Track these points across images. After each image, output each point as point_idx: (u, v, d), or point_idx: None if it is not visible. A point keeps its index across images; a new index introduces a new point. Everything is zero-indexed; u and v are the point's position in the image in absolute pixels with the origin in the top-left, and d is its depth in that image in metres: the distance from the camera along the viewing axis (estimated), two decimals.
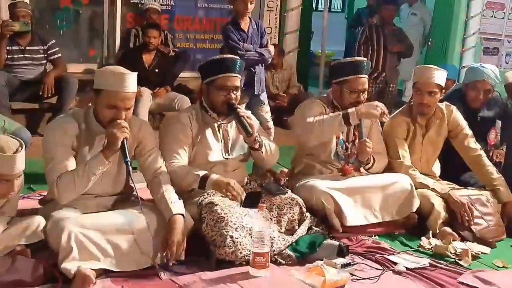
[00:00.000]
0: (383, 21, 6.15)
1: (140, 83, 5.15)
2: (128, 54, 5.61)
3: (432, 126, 3.84)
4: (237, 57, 3.33)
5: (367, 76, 3.55)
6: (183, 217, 2.85)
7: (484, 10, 7.53)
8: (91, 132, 2.88)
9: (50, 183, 2.79)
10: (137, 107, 4.88)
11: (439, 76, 3.72)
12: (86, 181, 2.75)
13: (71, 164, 2.79)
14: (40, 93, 5.01)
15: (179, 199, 2.92)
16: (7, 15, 5.26)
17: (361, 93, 3.52)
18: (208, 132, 3.24)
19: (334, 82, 3.61)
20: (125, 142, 2.76)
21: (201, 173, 3.06)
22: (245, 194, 3.02)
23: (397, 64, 6.23)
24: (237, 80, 3.22)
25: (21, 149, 2.57)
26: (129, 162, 2.79)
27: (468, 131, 3.86)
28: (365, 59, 3.68)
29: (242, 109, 3.21)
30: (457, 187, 3.80)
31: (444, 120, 3.85)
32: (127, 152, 2.78)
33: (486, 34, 7.63)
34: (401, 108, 3.94)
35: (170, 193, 2.90)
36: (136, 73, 2.86)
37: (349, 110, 3.45)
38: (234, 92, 3.19)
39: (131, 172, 2.82)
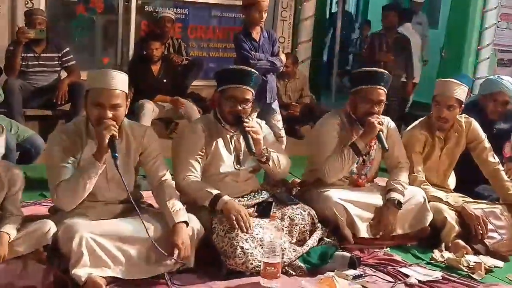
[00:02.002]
0: (385, 28, 6.13)
1: (151, 92, 5.26)
2: (134, 65, 5.52)
3: (451, 139, 3.80)
4: (254, 71, 3.26)
5: (384, 89, 3.46)
6: (187, 224, 2.83)
7: (498, 21, 7.48)
8: (90, 138, 2.86)
9: (51, 191, 2.79)
10: (139, 119, 4.91)
11: (460, 91, 3.68)
12: (83, 186, 2.73)
13: (72, 171, 2.79)
14: (54, 100, 5.03)
15: (184, 206, 2.91)
16: (23, 22, 5.30)
17: (375, 104, 3.44)
18: (221, 143, 3.21)
19: (351, 92, 3.56)
20: (114, 140, 2.73)
21: (214, 192, 3.04)
22: (253, 226, 2.96)
23: (400, 73, 6.15)
24: (248, 93, 3.16)
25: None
26: (116, 156, 2.73)
27: (487, 144, 3.82)
28: (386, 72, 3.56)
29: (249, 123, 3.15)
30: (470, 200, 3.75)
31: (462, 133, 3.81)
32: (116, 148, 2.73)
33: (500, 45, 7.58)
34: (418, 121, 3.88)
35: (173, 201, 2.89)
36: (124, 74, 2.85)
37: (355, 141, 3.41)
38: (243, 105, 3.14)
39: (117, 166, 2.73)
